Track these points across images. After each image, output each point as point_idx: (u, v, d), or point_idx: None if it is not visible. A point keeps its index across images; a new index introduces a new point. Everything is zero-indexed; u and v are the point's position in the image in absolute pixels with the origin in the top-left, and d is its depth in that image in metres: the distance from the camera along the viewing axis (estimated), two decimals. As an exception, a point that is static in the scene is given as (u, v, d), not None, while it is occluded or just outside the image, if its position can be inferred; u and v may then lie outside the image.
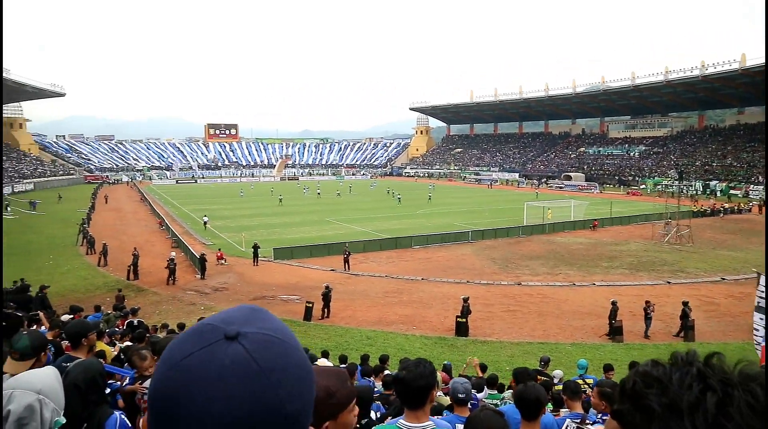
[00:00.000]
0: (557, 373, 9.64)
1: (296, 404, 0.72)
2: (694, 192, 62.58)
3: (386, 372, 8.89)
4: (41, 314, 9.23)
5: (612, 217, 44.15)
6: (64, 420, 2.14)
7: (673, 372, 0.74)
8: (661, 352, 16.02)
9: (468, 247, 33.59)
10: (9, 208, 51.71)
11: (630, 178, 79.39)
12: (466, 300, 18.73)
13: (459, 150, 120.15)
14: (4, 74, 73.20)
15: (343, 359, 11.25)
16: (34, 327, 8.02)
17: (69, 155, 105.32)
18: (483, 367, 10.90)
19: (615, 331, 17.76)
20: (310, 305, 20.19)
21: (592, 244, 34.46)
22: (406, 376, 2.57)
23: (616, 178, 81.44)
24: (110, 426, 2.84)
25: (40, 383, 2.07)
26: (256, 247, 28.68)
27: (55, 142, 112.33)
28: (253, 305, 0.86)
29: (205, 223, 41.68)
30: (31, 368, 2.78)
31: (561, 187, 78.81)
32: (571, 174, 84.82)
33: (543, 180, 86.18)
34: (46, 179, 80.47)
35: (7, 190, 65.53)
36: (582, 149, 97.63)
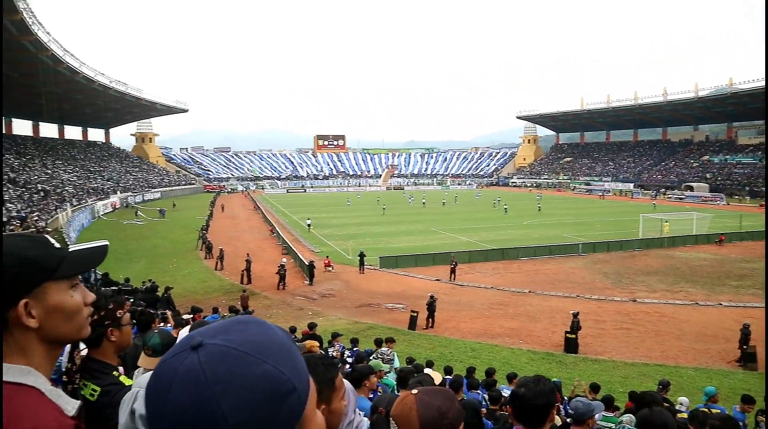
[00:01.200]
0: (683, 400, 8.87)
1: (241, 417, 0.71)
2: None
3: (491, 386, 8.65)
4: (168, 313, 9.91)
5: (741, 231, 40.51)
6: None
7: None
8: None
9: (578, 260, 32.21)
10: (138, 214, 56.43)
11: (764, 188, 72.63)
12: (575, 315, 17.94)
13: (568, 159, 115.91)
14: (137, 94, 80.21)
15: (448, 370, 11.10)
16: (162, 324, 8.63)
17: (190, 166, 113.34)
18: (595, 388, 10.33)
19: (747, 358, 16.12)
20: (415, 314, 20.22)
21: (719, 261, 31.79)
22: (525, 393, 2.44)
23: (747, 188, 74.80)
24: None
25: None
26: (362, 256, 29.21)
27: (178, 154, 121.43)
28: (248, 317, 0.85)
29: (308, 225, 45.07)
30: None
31: (681, 199, 73.59)
32: (693, 184, 78.98)
33: (661, 190, 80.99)
34: (170, 188, 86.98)
35: (138, 198, 71.65)
36: (706, 157, 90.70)
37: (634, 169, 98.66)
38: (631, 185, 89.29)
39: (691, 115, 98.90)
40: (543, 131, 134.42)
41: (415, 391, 1.63)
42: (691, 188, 77.41)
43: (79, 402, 1.27)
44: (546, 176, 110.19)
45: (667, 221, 40.84)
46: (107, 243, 1.41)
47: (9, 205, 35.57)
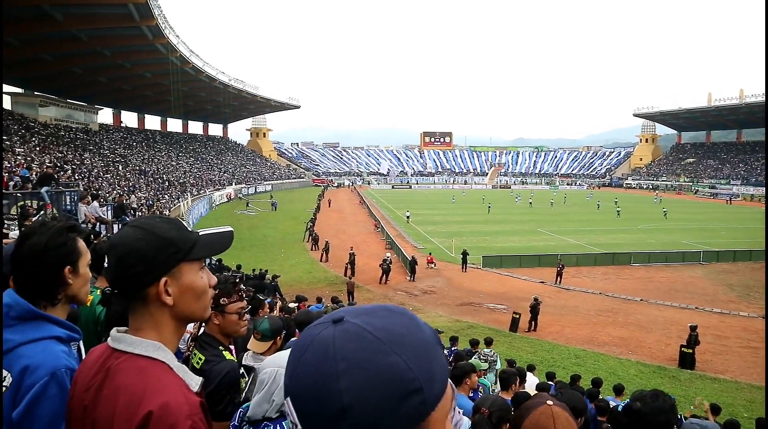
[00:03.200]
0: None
1: (355, 400, 0.70)
2: None
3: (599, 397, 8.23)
4: (278, 302, 10.36)
5: None
6: None
7: None
8: None
9: (698, 269, 29.94)
10: (249, 205, 59.30)
11: None
12: (693, 328, 16.66)
13: (691, 160, 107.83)
14: (254, 91, 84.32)
15: (550, 376, 10.75)
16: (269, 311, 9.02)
17: (300, 161, 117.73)
18: (715, 409, 9.52)
19: None
20: (517, 316, 19.75)
21: None
22: (642, 408, 2.27)
23: None
24: None
25: None
26: (465, 254, 28.91)
27: (289, 148, 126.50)
28: (399, 308, 0.82)
29: (407, 217, 47.40)
30: (268, 350, 3.08)
31: (824, 206, 66.15)
32: (839, 190, 70.75)
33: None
34: (281, 181, 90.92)
35: (251, 190, 75.58)
36: None
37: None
38: (765, 189, 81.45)
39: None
40: (662, 130, 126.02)
41: (550, 402, 1.59)
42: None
43: (201, 378, 1.36)
44: (665, 178, 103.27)
45: (805, 231, 36.93)
46: (232, 229, 1.49)
47: (139, 193, 38.79)
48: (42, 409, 1.42)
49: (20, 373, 1.46)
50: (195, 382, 1.32)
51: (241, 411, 2.32)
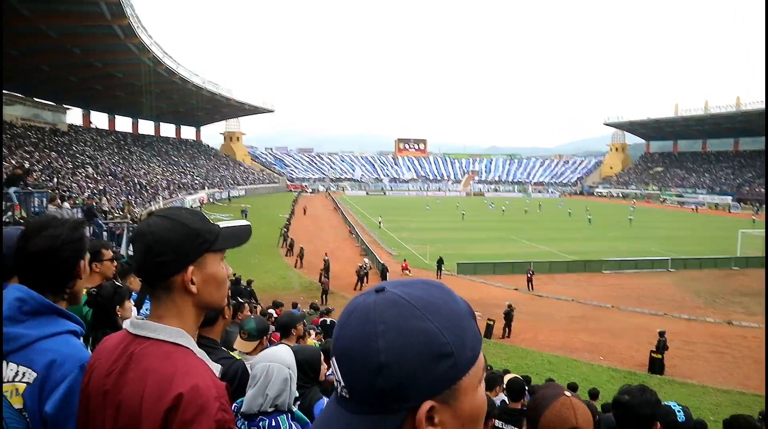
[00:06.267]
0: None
1: (390, 358, 0.77)
2: None
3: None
4: (258, 307, 10.26)
5: None
6: (297, 394, 2.45)
7: None
8: None
9: (667, 277, 30.57)
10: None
11: None
12: (662, 334, 16.98)
13: (659, 169, 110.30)
14: (228, 95, 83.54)
15: (526, 380, 10.85)
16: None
17: (274, 165, 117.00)
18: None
19: None
20: (491, 323, 19.92)
21: (827, 284, 29.21)
22: (630, 401, 2.36)
23: None
24: (318, 409, 2.95)
25: (290, 359, 2.32)
26: (440, 261, 29.02)
27: (263, 153, 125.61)
28: (436, 282, 0.90)
29: (379, 223, 48.52)
30: (254, 350, 3.07)
31: (786, 215, 68.15)
32: (800, 200, 73.00)
33: (763, 205, 75.39)
34: (255, 186, 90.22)
35: (224, 194, 74.75)
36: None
37: (734, 182, 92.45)
38: (729, 199, 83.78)
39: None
40: (632, 139, 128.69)
41: (568, 393, 1.64)
42: (798, 205, 71.49)
43: (220, 366, 1.42)
44: (634, 186, 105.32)
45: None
46: (250, 223, 1.54)
47: (109, 195, 38.05)
48: (75, 399, 1.45)
49: (47, 366, 1.46)
50: (215, 368, 1.37)
51: (235, 406, 2.32)
